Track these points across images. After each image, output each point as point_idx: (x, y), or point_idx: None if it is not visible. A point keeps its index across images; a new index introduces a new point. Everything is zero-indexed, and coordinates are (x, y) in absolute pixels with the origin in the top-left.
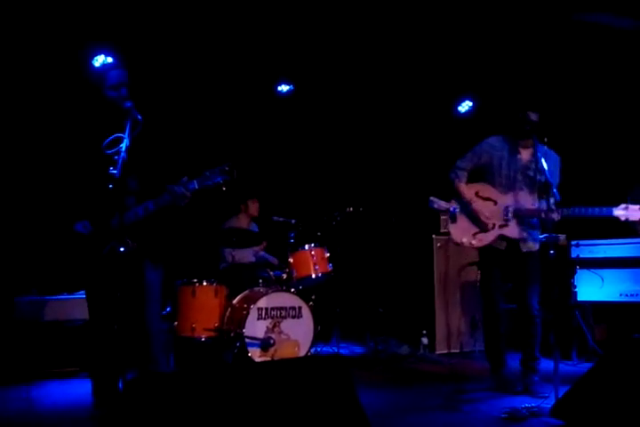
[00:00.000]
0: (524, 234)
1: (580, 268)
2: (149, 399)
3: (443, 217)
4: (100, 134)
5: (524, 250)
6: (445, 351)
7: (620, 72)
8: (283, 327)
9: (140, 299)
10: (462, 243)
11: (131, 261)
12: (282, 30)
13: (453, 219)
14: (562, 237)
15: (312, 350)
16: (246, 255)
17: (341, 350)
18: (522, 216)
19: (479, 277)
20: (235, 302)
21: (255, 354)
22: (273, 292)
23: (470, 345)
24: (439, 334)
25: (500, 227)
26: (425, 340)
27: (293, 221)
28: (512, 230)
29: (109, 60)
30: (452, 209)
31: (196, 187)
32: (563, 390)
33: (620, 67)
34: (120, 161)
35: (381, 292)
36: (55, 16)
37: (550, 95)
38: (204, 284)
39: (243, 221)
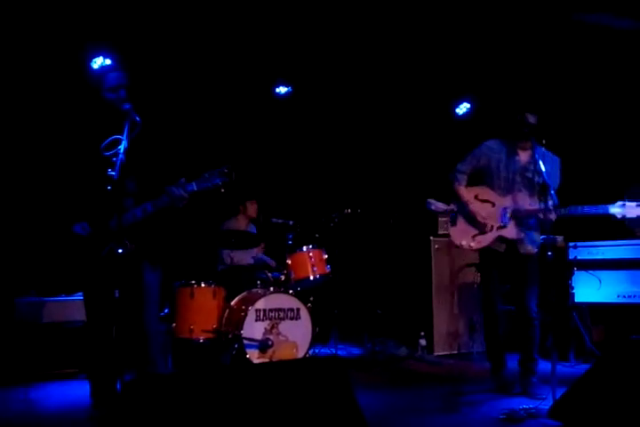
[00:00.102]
0: (522, 235)
1: (578, 269)
2: (147, 401)
3: (440, 219)
4: (98, 136)
5: (522, 251)
6: (443, 353)
7: (620, 72)
8: (281, 329)
9: (138, 300)
10: (462, 245)
11: (129, 262)
12: (280, 32)
13: (453, 222)
14: (559, 238)
15: (310, 352)
16: (245, 257)
17: (339, 352)
18: (520, 217)
19: (477, 278)
20: (233, 303)
21: (253, 355)
22: (271, 293)
23: (468, 346)
24: (437, 335)
25: (499, 228)
26: (423, 341)
27: (291, 222)
28: (510, 231)
29: (108, 61)
30: (451, 215)
31: (195, 189)
32: (560, 392)
33: (619, 67)
34: (118, 163)
35: (379, 293)
36: (54, 18)
37: (549, 95)
38: (203, 285)
39: (241, 223)
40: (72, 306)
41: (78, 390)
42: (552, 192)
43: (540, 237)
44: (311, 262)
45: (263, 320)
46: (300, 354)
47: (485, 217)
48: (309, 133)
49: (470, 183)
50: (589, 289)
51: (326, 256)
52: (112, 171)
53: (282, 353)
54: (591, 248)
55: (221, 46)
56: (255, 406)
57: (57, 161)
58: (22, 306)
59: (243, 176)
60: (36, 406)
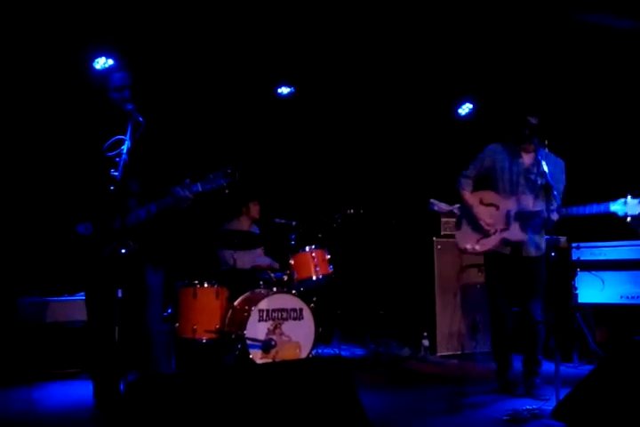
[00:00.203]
0: (526, 237)
1: (581, 270)
2: (150, 401)
3: (443, 219)
4: (101, 136)
5: (526, 254)
6: (446, 353)
7: (620, 72)
8: (284, 329)
9: (141, 300)
10: (466, 249)
11: (132, 262)
12: (282, 33)
13: (459, 226)
14: (562, 239)
15: (313, 352)
16: (247, 259)
17: (342, 352)
18: (524, 219)
19: (480, 279)
20: (236, 303)
21: (256, 356)
22: (274, 294)
23: (471, 347)
24: (440, 335)
25: (502, 231)
26: (426, 342)
27: (294, 223)
28: (513, 233)
29: (110, 62)
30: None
31: (200, 189)
32: (564, 393)
33: (620, 67)
34: (121, 163)
35: (382, 294)
36: (56, 19)
37: (550, 96)
38: (206, 285)
39: (244, 223)
40: (75, 306)
41: (81, 390)
42: (555, 193)
43: (544, 241)
44: (314, 263)
45: (266, 320)
46: (303, 354)
47: (489, 220)
48: (312, 134)
49: (477, 189)
50: (592, 290)
51: (329, 256)
52: (115, 171)
53: (285, 353)
54: (594, 249)
55: (224, 47)
56: (258, 406)
57: (60, 161)
58: (25, 306)
59: (245, 177)
60: (39, 406)
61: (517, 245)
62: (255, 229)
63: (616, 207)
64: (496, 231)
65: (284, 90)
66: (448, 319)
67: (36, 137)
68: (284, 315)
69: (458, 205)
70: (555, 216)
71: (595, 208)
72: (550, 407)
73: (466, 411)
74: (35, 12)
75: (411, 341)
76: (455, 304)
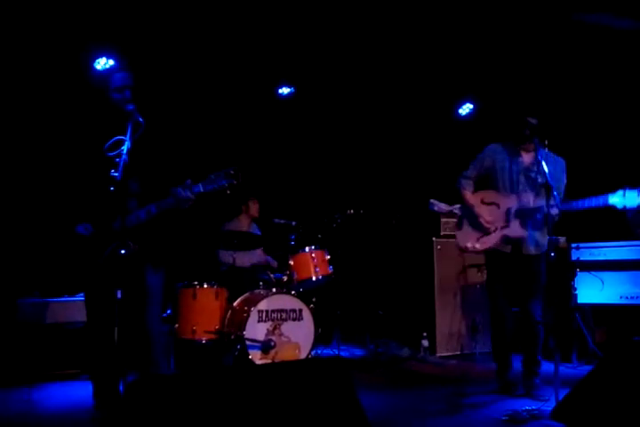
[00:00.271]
0: (526, 233)
1: (581, 270)
2: (150, 402)
3: (443, 219)
4: (101, 137)
5: (526, 252)
6: (446, 354)
7: (620, 72)
8: (283, 330)
9: (140, 301)
10: (467, 248)
11: (132, 263)
12: (282, 33)
13: (460, 226)
14: (562, 239)
15: (313, 353)
16: (247, 259)
17: (342, 353)
18: (525, 215)
19: (480, 279)
20: (235, 304)
21: (256, 356)
22: (273, 294)
23: (471, 347)
24: (439, 336)
25: (502, 228)
26: (425, 342)
27: (294, 223)
28: (513, 230)
29: (111, 62)
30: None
31: (201, 190)
32: (563, 393)
33: (620, 67)
34: (121, 163)
35: (382, 294)
36: (57, 19)
37: (550, 95)
38: (205, 286)
39: (244, 223)
40: (75, 307)
41: (81, 391)
42: (555, 193)
43: (545, 239)
44: (314, 263)
45: (265, 321)
46: (303, 355)
47: (490, 218)
48: (312, 134)
49: (477, 190)
50: (592, 290)
51: (329, 257)
52: (115, 171)
53: (284, 354)
54: (594, 249)
55: (224, 47)
56: (258, 407)
57: (60, 162)
58: (25, 307)
59: (245, 176)
60: (39, 407)
61: (517, 243)
62: (255, 229)
63: (614, 200)
64: (496, 229)
65: (285, 90)
66: (448, 320)
67: (36, 137)
68: (284, 315)
69: (458, 206)
70: (554, 211)
71: (594, 201)
72: (549, 408)
73: (465, 411)
74: (36, 13)
75: (410, 341)
76: (455, 304)
